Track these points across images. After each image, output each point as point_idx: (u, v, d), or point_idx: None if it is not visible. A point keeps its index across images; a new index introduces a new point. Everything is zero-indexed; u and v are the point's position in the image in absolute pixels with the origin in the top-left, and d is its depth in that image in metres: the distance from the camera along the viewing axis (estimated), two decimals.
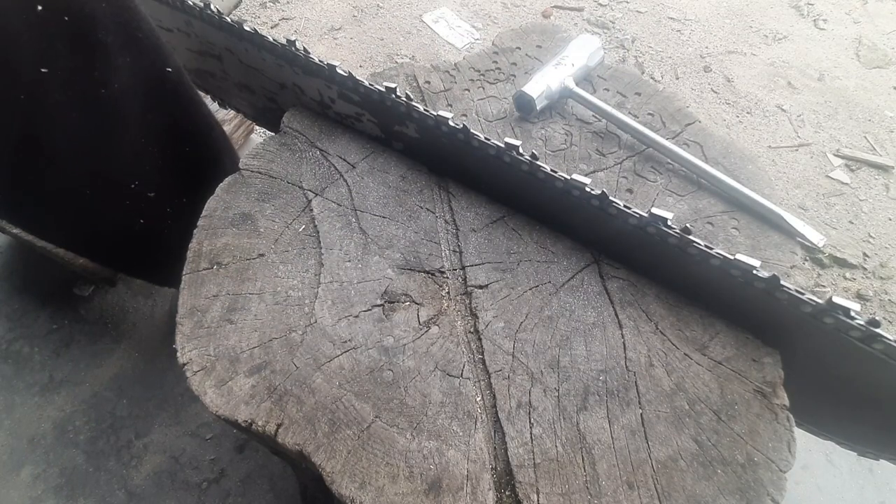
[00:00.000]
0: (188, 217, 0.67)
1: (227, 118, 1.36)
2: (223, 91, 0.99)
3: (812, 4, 2.36)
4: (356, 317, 0.59)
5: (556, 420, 0.53)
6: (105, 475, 1.18)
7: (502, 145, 0.62)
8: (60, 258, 1.23)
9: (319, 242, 0.65)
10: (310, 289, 0.61)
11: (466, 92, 0.84)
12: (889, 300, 1.53)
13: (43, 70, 0.64)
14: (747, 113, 1.95)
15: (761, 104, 1.98)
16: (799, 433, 0.55)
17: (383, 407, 0.53)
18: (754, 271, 0.53)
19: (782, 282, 0.53)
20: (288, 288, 0.61)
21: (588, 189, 0.59)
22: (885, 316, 1.50)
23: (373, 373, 0.55)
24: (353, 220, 0.67)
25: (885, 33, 2.25)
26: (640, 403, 0.55)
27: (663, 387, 0.56)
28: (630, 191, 0.73)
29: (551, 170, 0.60)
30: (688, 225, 0.56)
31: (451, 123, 0.64)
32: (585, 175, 0.62)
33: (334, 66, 0.70)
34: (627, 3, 2.32)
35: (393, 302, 0.61)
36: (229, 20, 0.79)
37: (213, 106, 1.03)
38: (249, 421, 0.52)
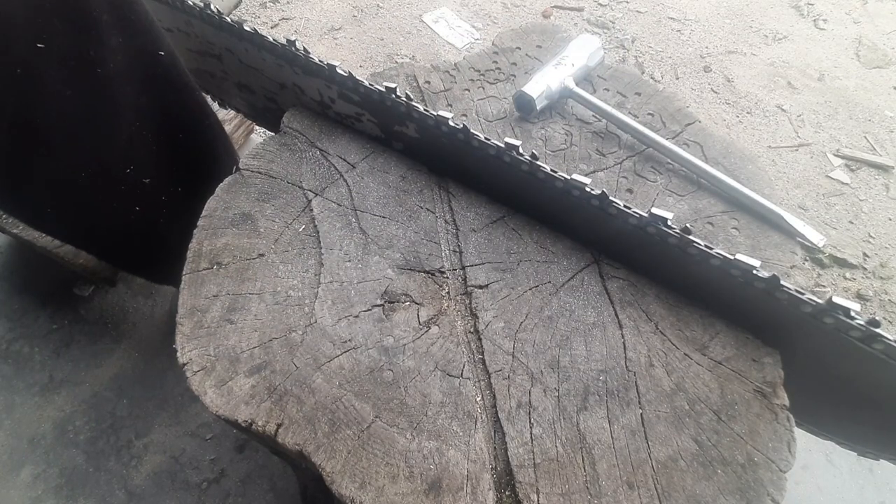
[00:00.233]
0: (183, 209, 0.67)
1: (227, 118, 1.36)
2: (223, 91, 0.99)
3: (812, 4, 2.36)
4: (356, 317, 0.59)
5: (556, 420, 0.53)
6: (105, 475, 1.18)
7: (502, 145, 0.62)
8: (60, 258, 1.23)
9: (319, 242, 0.65)
10: (310, 289, 0.61)
11: (466, 92, 0.84)
12: (889, 300, 1.53)
13: (39, 45, 0.64)
14: (747, 113, 1.95)
15: (761, 104, 1.98)
16: (799, 433, 0.55)
17: (383, 407, 0.53)
18: (754, 271, 0.53)
19: (782, 282, 0.53)
20: (288, 288, 0.61)
21: (588, 189, 0.59)
22: (885, 316, 1.50)
23: (373, 373, 0.55)
24: (353, 220, 0.67)
25: (885, 33, 2.25)
26: (640, 403, 0.55)
27: (663, 387, 0.56)
28: (630, 191, 0.73)
29: (551, 170, 0.60)
30: (688, 225, 0.56)
31: (451, 123, 0.64)
32: (585, 175, 0.62)
33: (334, 66, 0.70)
34: (627, 3, 2.32)
35: (393, 302, 0.61)
36: (229, 20, 0.79)
37: (213, 105, 1.03)
38: (249, 421, 0.52)
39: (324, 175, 0.71)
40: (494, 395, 0.55)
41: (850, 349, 0.53)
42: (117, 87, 0.74)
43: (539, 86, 0.78)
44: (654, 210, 0.56)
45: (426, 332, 0.59)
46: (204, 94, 0.99)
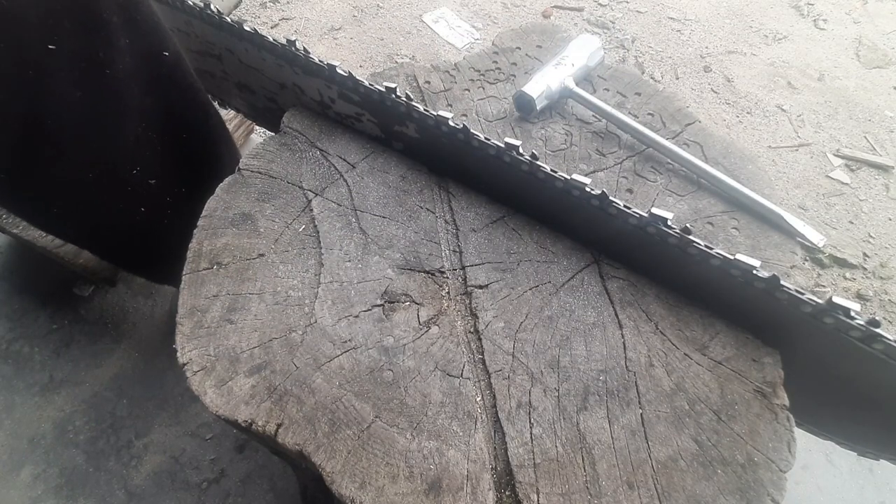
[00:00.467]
0: (187, 210, 0.67)
1: (227, 118, 1.36)
2: (223, 91, 0.99)
3: (812, 4, 2.36)
4: (356, 317, 0.59)
5: (556, 420, 0.53)
6: (105, 475, 1.18)
7: (502, 145, 0.62)
8: (60, 258, 1.23)
9: (319, 242, 0.65)
10: (310, 289, 0.61)
11: (466, 92, 0.84)
12: (889, 300, 1.53)
13: (51, 47, 0.64)
14: (747, 113, 1.95)
15: (761, 104, 1.98)
16: (799, 433, 0.55)
17: (383, 407, 0.53)
18: (754, 271, 0.53)
19: (782, 282, 0.53)
20: (288, 288, 0.61)
21: (588, 189, 0.59)
22: (885, 316, 1.50)
23: (373, 373, 0.55)
24: (353, 220, 0.67)
25: (885, 33, 2.25)
26: (640, 403, 0.55)
27: (663, 387, 0.56)
28: (630, 191, 0.73)
29: (551, 170, 0.60)
30: (688, 225, 0.56)
31: (451, 123, 0.64)
32: (585, 175, 0.62)
33: (334, 66, 0.70)
34: (627, 3, 2.32)
35: (393, 302, 0.61)
36: (229, 20, 0.79)
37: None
38: (249, 421, 0.52)
39: (324, 175, 0.71)
40: (494, 395, 0.55)
41: (850, 349, 0.53)
42: (124, 88, 0.74)
43: (539, 86, 0.78)
44: (654, 210, 0.56)
45: (426, 332, 0.59)
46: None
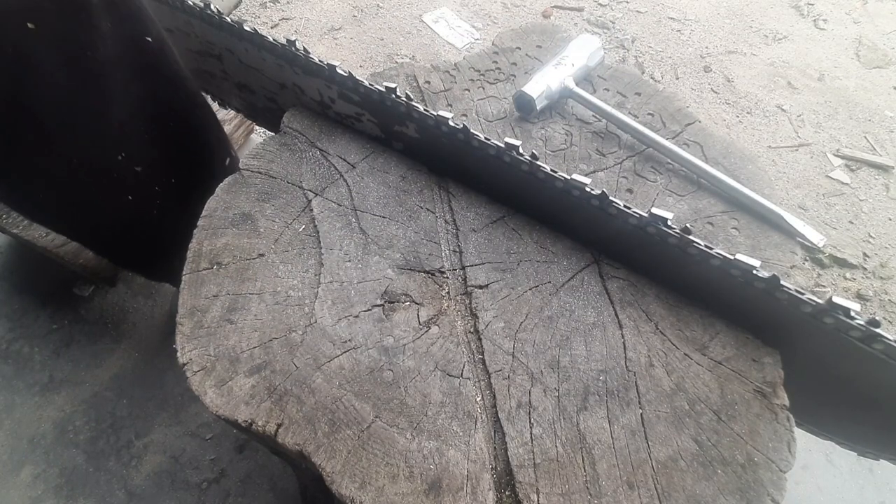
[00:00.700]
0: (178, 203, 0.66)
1: (227, 118, 1.36)
2: (223, 91, 0.99)
3: (812, 4, 2.36)
4: (356, 317, 0.59)
5: (556, 420, 0.53)
6: (105, 475, 1.18)
7: (502, 145, 0.62)
8: (60, 258, 1.23)
9: (319, 242, 0.65)
10: (310, 289, 0.61)
11: (466, 92, 0.84)
12: (889, 300, 1.53)
13: (30, 25, 0.64)
14: (747, 113, 1.95)
15: (761, 104, 1.98)
16: (799, 433, 0.55)
17: (383, 407, 0.53)
18: (754, 271, 0.53)
19: (782, 282, 0.53)
20: (288, 288, 0.61)
21: (588, 189, 0.59)
22: (885, 316, 1.50)
23: (373, 373, 0.55)
24: (353, 220, 0.67)
25: (885, 33, 2.25)
26: (640, 403, 0.55)
27: (663, 387, 0.56)
28: (630, 191, 0.73)
29: (551, 170, 0.60)
30: (688, 225, 0.56)
31: (451, 123, 0.64)
32: (585, 175, 0.62)
33: (334, 66, 0.70)
34: (627, 3, 2.32)
35: (393, 302, 0.61)
36: (229, 20, 0.79)
37: (213, 105, 1.03)
38: (249, 421, 0.52)
39: (324, 175, 0.71)
40: (494, 395, 0.55)
41: (850, 349, 0.53)
42: (108, 72, 0.74)
43: (539, 86, 0.78)
44: (654, 210, 0.56)
45: (426, 332, 0.59)
46: (203, 93, 0.99)
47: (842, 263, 1.59)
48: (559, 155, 0.76)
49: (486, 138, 0.63)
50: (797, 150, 1.86)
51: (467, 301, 0.61)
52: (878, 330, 0.50)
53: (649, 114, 0.82)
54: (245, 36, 0.78)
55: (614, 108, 0.78)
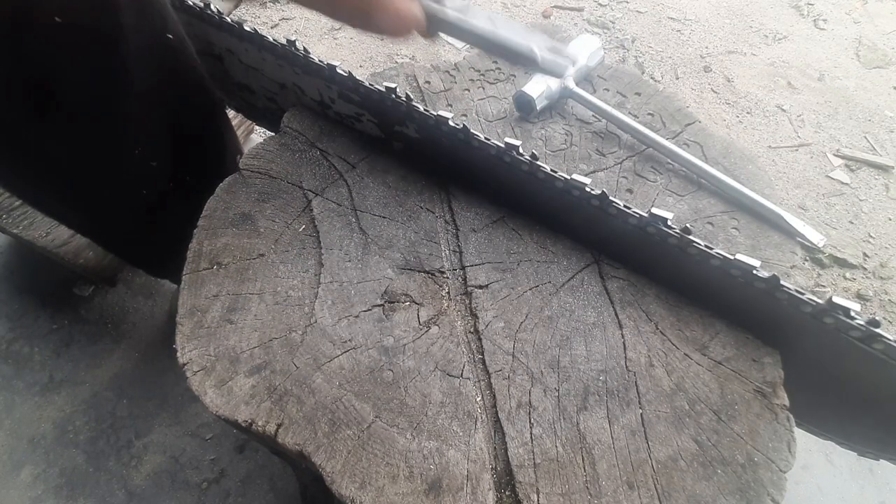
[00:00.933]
0: (189, 198, 0.66)
1: None
2: (223, 91, 0.99)
3: (812, 4, 2.36)
4: (356, 317, 0.59)
5: (556, 420, 0.53)
6: (105, 475, 1.18)
7: (502, 145, 0.62)
8: (60, 258, 1.23)
9: (319, 242, 0.65)
10: (310, 289, 0.61)
11: (466, 92, 0.84)
12: (889, 300, 1.53)
13: (57, 19, 0.64)
14: (747, 113, 1.95)
15: (761, 104, 1.98)
16: (799, 433, 0.55)
17: (383, 407, 0.53)
18: (754, 271, 0.53)
19: (782, 282, 0.53)
20: (288, 288, 0.61)
21: (588, 189, 0.59)
22: (885, 316, 1.50)
23: (373, 373, 0.55)
24: (353, 220, 0.67)
25: (885, 33, 2.25)
26: (640, 403, 0.55)
27: (663, 387, 0.56)
28: (630, 191, 0.73)
29: (551, 170, 0.60)
30: (688, 225, 0.56)
31: (451, 123, 0.64)
32: (585, 175, 0.62)
33: (334, 66, 0.70)
34: (627, 3, 2.32)
35: (393, 302, 0.61)
36: (229, 20, 0.79)
37: None
38: (249, 421, 0.52)
39: (324, 175, 0.71)
40: (494, 395, 0.55)
41: (850, 349, 0.53)
42: (129, 67, 0.74)
43: (539, 86, 0.78)
44: (654, 210, 0.56)
45: (426, 332, 0.59)
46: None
47: (842, 263, 1.59)
48: (559, 155, 0.76)
49: (486, 138, 0.63)
50: (797, 150, 1.86)
51: (467, 301, 0.61)
52: (878, 330, 0.50)
53: (649, 114, 0.82)
54: (245, 36, 0.78)
55: (614, 108, 0.78)
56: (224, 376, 0.55)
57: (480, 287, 0.62)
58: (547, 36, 0.58)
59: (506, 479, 0.50)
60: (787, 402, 0.55)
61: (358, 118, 0.74)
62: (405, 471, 0.50)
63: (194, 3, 0.82)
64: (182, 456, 1.20)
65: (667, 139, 0.75)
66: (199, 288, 0.61)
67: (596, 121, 0.80)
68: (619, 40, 2.17)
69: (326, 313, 0.59)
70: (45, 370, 1.32)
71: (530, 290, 0.62)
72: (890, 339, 0.50)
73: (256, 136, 1.63)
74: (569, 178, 0.60)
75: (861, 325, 0.51)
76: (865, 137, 1.90)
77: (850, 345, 0.53)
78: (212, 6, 0.80)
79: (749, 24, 2.28)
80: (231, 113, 1.33)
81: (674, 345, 0.58)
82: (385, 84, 0.67)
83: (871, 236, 1.66)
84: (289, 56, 0.74)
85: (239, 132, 1.44)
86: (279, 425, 0.52)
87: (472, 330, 0.59)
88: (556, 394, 0.55)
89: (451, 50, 2.07)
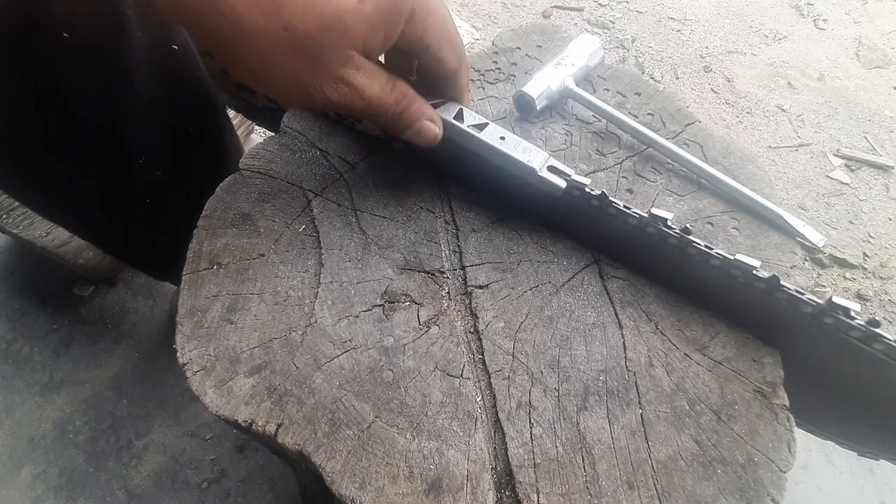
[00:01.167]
0: (193, 204, 0.67)
1: None
2: (223, 91, 0.99)
3: (812, 4, 2.36)
4: (356, 317, 0.59)
5: (556, 420, 0.53)
6: (105, 475, 1.18)
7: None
8: (60, 258, 1.23)
9: (319, 242, 0.65)
10: (310, 289, 0.61)
11: None
12: (889, 300, 1.53)
13: (65, 35, 0.64)
14: (747, 113, 1.95)
15: (761, 104, 1.98)
16: (799, 433, 0.55)
17: (383, 407, 0.53)
18: (754, 271, 0.53)
19: (782, 282, 0.53)
20: (288, 288, 0.61)
21: (588, 189, 0.59)
22: (885, 316, 1.50)
23: (373, 373, 0.55)
24: (353, 220, 0.67)
25: (885, 33, 2.25)
26: (640, 403, 0.55)
27: (663, 387, 0.56)
28: (630, 191, 0.73)
29: None
30: (688, 225, 0.56)
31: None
32: (585, 175, 0.62)
33: None
34: (627, 3, 2.32)
35: (393, 302, 0.61)
36: None
37: None
38: (249, 421, 0.52)
39: (324, 175, 0.71)
40: (494, 395, 0.55)
41: (850, 349, 0.53)
42: (135, 79, 0.75)
43: (539, 86, 0.78)
44: (654, 210, 0.56)
45: (426, 332, 0.59)
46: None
47: (842, 263, 1.59)
48: (559, 155, 0.76)
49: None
50: (797, 150, 1.86)
51: (467, 301, 0.61)
52: (878, 330, 0.50)
53: (649, 114, 0.82)
54: None
55: (614, 108, 0.78)
56: (224, 376, 0.55)
57: (480, 287, 0.62)
58: (549, 154, 0.62)
59: (506, 479, 0.50)
60: (787, 402, 0.55)
61: (358, 118, 0.74)
62: (405, 471, 0.50)
63: None
64: (182, 456, 1.20)
65: (667, 139, 0.75)
66: (199, 288, 0.61)
67: (596, 121, 0.80)
68: (619, 40, 2.17)
69: (326, 313, 0.59)
70: (45, 370, 1.32)
71: (530, 290, 0.62)
72: (890, 339, 0.50)
73: (256, 136, 1.63)
74: (569, 178, 0.60)
75: (861, 325, 0.51)
76: (865, 137, 1.90)
77: (850, 345, 0.53)
78: None
79: (749, 24, 2.28)
80: (231, 113, 1.33)
81: (674, 345, 0.58)
82: None
83: (871, 236, 1.66)
84: None
85: (239, 132, 1.44)
86: (279, 425, 0.52)
87: (472, 330, 0.59)
88: (556, 394, 0.55)
89: None
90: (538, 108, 0.78)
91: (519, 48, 0.91)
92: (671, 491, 0.50)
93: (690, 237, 0.55)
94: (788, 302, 0.54)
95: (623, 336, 0.59)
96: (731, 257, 0.54)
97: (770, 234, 0.69)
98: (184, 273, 0.62)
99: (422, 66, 0.59)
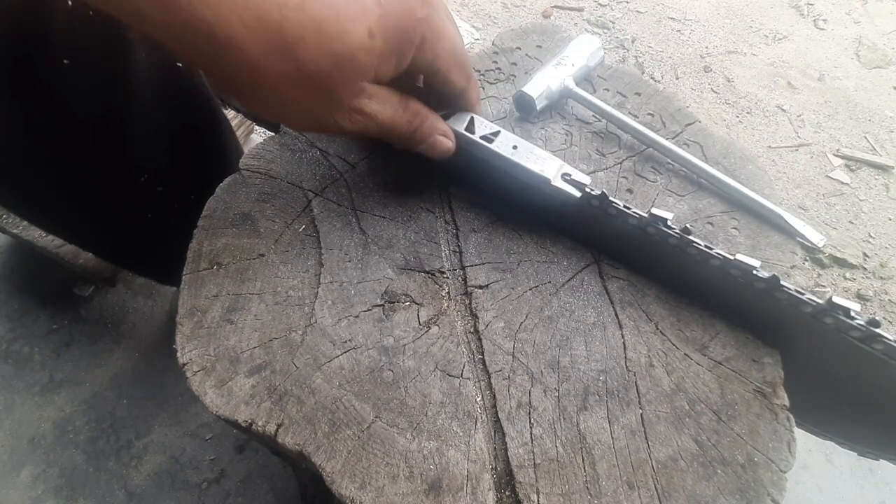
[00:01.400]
0: (193, 214, 0.67)
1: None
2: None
3: (812, 4, 2.36)
4: (356, 317, 0.59)
5: (556, 420, 0.53)
6: (105, 475, 1.18)
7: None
8: (60, 258, 1.23)
9: (319, 242, 0.65)
10: (310, 289, 0.61)
11: None
12: (889, 300, 1.53)
13: (65, 61, 0.64)
14: (747, 113, 1.95)
15: (761, 104, 1.98)
16: (799, 433, 0.55)
17: (383, 407, 0.53)
18: (754, 271, 0.53)
19: (782, 282, 0.53)
20: (288, 288, 0.61)
21: (588, 189, 0.59)
22: (885, 316, 1.50)
23: (373, 373, 0.55)
24: (353, 220, 0.67)
25: (885, 33, 2.25)
26: (640, 403, 0.55)
27: (663, 387, 0.56)
28: (630, 191, 0.73)
29: None
30: (688, 225, 0.56)
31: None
32: (585, 175, 0.62)
33: None
34: (627, 3, 2.32)
35: (393, 302, 0.61)
36: None
37: None
38: (249, 421, 0.52)
39: (324, 175, 0.71)
40: (494, 396, 0.55)
41: (850, 349, 0.53)
42: (138, 99, 0.75)
43: (539, 86, 0.78)
44: (654, 210, 0.56)
45: (426, 332, 0.59)
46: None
47: (842, 263, 1.59)
48: (559, 155, 0.76)
49: None
50: (797, 150, 1.86)
51: (467, 301, 0.61)
52: (878, 330, 0.50)
53: (649, 114, 0.82)
54: None
55: (614, 108, 0.78)
56: (224, 376, 0.55)
57: (480, 287, 0.62)
58: (562, 161, 0.61)
59: (506, 480, 0.50)
60: (787, 402, 0.55)
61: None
62: (405, 471, 0.50)
63: None
64: (182, 456, 1.20)
65: (667, 139, 0.75)
66: (199, 288, 0.61)
67: (596, 121, 0.80)
68: (619, 40, 2.17)
69: (326, 313, 0.59)
70: (45, 370, 1.32)
71: (530, 290, 0.62)
72: (890, 339, 0.50)
73: (256, 136, 1.63)
74: (569, 177, 0.60)
75: (861, 325, 0.51)
76: (865, 137, 1.90)
77: (850, 345, 0.53)
78: None
79: (749, 24, 2.28)
80: (231, 113, 1.33)
81: (674, 345, 0.58)
82: None
83: (871, 236, 1.66)
84: None
85: (239, 132, 1.44)
86: (279, 425, 0.52)
87: (472, 330, 0.59)
88: (556, 394, 0.55)
89: None
90: (538, 108, 0.78)
91: (519, 48, 0.91)
92: (671, 491, 0.50)
93: (690, 237, 0.55)
94: (788, 302, 0.54)
95: (623, 336, 0.59)
96: (731, 257, 0.54)
97: (770, 234, 0.69)
98: (184, 273, 0.62)
99: (431, 85, 0.60)
